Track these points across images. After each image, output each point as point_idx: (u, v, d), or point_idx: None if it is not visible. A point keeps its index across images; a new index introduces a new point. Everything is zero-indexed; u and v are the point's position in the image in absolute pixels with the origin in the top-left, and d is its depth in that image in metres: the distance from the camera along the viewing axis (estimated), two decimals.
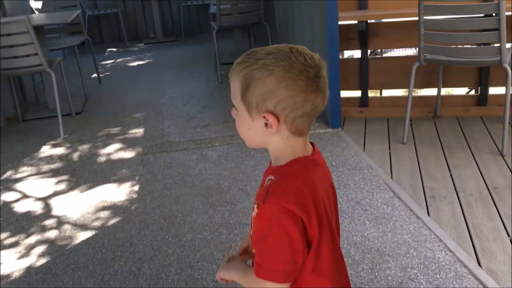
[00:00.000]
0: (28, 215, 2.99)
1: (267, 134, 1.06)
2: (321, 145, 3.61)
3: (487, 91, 4.02)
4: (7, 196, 3.24)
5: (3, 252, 2.63)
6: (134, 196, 3.11)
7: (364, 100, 4.17)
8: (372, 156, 3.38)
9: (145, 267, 2.40)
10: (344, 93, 4.05)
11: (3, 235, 2.78)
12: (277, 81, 1.00)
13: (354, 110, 4.15)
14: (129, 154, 3.74)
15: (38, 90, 5.43)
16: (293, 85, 0.99)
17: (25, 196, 3.24)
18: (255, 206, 1.07)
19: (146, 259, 2.46)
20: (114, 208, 2.98)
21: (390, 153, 3.44)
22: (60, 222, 2.89)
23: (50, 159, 3.76)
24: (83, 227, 2.81)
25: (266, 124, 1.04)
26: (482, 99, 4.03)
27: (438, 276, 2.18)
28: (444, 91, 4.11)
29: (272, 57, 1.01)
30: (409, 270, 2.23)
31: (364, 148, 3.55)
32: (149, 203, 3.00)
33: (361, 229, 2.55)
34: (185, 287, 2.23)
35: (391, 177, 3.09)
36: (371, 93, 4.32)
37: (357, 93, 4.29)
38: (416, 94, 3.49)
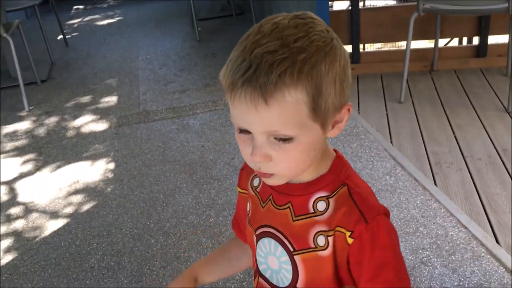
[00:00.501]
0: None
1: (322, 144, 0.80)
2: None
3: (486, 40, 3.73)
4: None
5: None
6: (110, 175, 2.80)
7: (355, 56, 3.85)
8: (368, 119, 3.11)
9: (125, 260, 2.13)
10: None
11: None
12: (343, 59, 0.74)
13: None
14: (102, 126, 3.40)
15: None
16: (344, 54, 0.76)
17: None
18: (327, 238, 0.79)
19: (126, 251, 2.19)
20: (87, 191, 2.68)
21: (387, 115, 3.17)
22: (28, 210, 2.58)
23: (14, 135, 3.40)
24: (54, 214, 2.52)
25: (334, 125, 0.78)
26: (481, 49, 3.74)
27: (454, 258, 1.96)
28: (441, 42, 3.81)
29: (308, 36, 0.71)
30: (420, 252, 2.00)
31: (358, 109, 3.27)
32: (127, 183, 2.70)
33: None
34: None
35: (391, 142, 2.84)
36: (363, 48, 3.99)
37: (348, 48, 3.96)
38: (411, 47, 3.18)
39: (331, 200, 0.79)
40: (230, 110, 0.75)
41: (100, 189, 2.68)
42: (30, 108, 3.77)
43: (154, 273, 2.05)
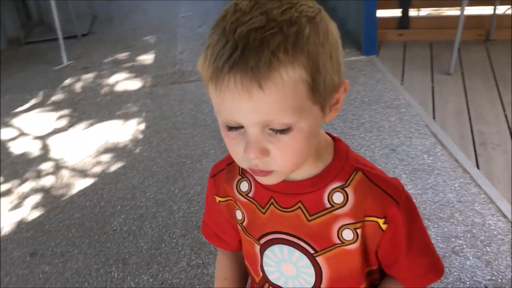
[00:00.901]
0: (24, 157, 2.71)
1: (320, 127, 0.70)
2: (352, 75, 3.14)
3: None
4: (4, 134, 2.96)
5: None
6: (140, 136, 2.78)
7: (404, 21, 3.60)
8: (412, 91, 2.91)
9: (147, 225, 2.12)
10: (380, 13, 3.49)
11: None
12: (333, 26, 0.65)
13: (392, 33, 3.61)
14: (136, 85, 3.36)
15: (43, 8, 4.98)
16: (334, 24, 0.67)
17: (22, 133, 2.96)
18: (355, 231, 0.73)
19: (148, 216, 2.17)
20: (116, 151, 2.67)
21: (433, 87, 2.96)
22: (58, 167, 2.60)
23: (51, 89, 3.43)
24: (82, 173, 2.53)
25: (331, 108, 0.67)
26: None
27: (489, 250, 1.82)
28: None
29: (294, 7, 0.61)
30: (453, 240, 1.87)
31: (402, 80, 3.07)
32: (155, 146, 2.66)
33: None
34: (190, 253, 1.95)
35: (434, 118, 2.65)
36: (413, 12, 3.72)
37: (397, 13, 3.71)
38: (466, 13, 2.92)
39: (349, 190, 0.72)
40: (214, 104, 0.64)
41: (128, 150, 2.67)
42: (69, 62, 3.78)
43: (174, 241, 2.02)
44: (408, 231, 0.73)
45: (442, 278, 1.70)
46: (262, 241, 0.79)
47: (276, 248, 0.77)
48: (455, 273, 1.74)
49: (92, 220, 2.19)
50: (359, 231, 0.72)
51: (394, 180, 0.74)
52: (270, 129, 0.62)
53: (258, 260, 0.81)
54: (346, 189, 0.71)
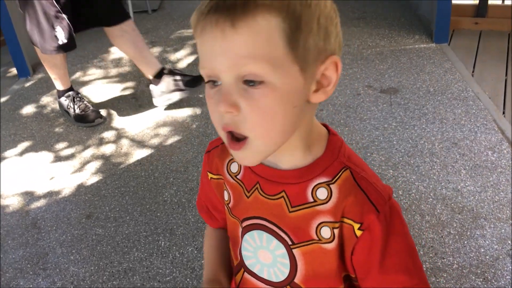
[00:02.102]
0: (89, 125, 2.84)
1: (305, 112, 0.66)
2: (419, 64, 3.01)
3: None
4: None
5: (59, 164, 2.52)
6: (198, 112, 2.82)
7: (482, 9, 3.38)
8: (482, 83, 2.75)
9: (195, 199, 2.16)
10: None
11: (62, 145, 2.67)
12: (330, 1, 0.64)
13: (467, 21, 3.41)
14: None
15: None
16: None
17: (89, 101, 3.08)
18: (332, 230, 0.70)
19: (197, 191, 2.21)
20: (174, 125, 2.73)
21: (506, 81, 2.78)
22: (119, 136, 2.71)
23: (119, 61, 3.55)
24: (140, 144, 2.61)
25: (318, 88, 0.64)
26: None
27: None
28: None
29: None
30: (509, 243, 1.76)
31: (473, 71, 2.91)
32: (211, 123, 2.69)
33: (454, 179, 2.07)
34: None
35: (503, 113, 2.49)
36: (492, 0, 3.49)
37: (475, 0, 3.49)
38: None
39: (334, 187, 0.69)
40: (199, 55, 0.64)
41: (186, 125, 2.72)
42: None
43: None
44: (384, 244, 0.68)
45: (493, 281, 1.61)
46: (244, 224, 0.77)
47: (255, 233, 0.76)
48: (507, 277, 1.64)
49: (146, 189, 2.26)
50: (336, 231, 0.69)
51: (383, 187, 0.70)
52: (243, 82, 0.60)
53: (239, 243, 0.80)
54: (331, 185, 0.69)
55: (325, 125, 0.74)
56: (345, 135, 2.42)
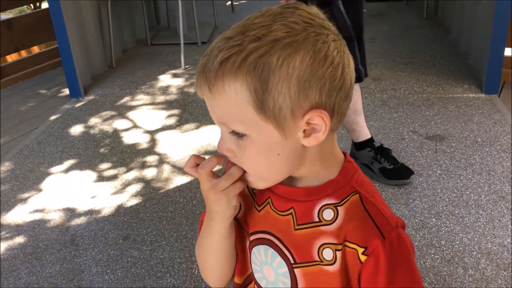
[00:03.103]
0: (133, 147, 2.91)
1: (303, 151, 0.68)
2: (467, 113, 2.96)
3: None
4: (119, 124, 3.20)
5: (101, 184, 2.57)
6: None
7: None
8: None
9: None
10: (508, 51, 3.25)
11: (105, 166, 2.73)
12: (311, 56, 0.62)
13: None
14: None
15: (171, 14, 5.34)
16: (330, 55, 0.64)
17: (135, 126, 3.17)
18: (335, 252, 0.69)
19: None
20: (216, 154, 2.75)
21: None
22: (161, 161, 2.75)
23: (166, 89, 3.64)
24: (181, 170, 2.64)
25: (304, 132, 0.66)
26: None
27: None
28: None
29: (270, 25, 0.63)
30: None
31: None
32: None
33: (500, 234, 1.99)
34: None
35: None
36: None
37: None
38: None
39: (340, 209, 0.69)
40: None
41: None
42: (186, 66, 3.99)
43: None
44: (389, 275, 0.66)
45: None
46: (252, 238, 0.78)
47: (262, 248, 0.77)
48: None
49: (183, 216, 2.27)
50: (338, 254, 0.68)
51: (392, 216, 0.69)
52: (231, 131, 0.67)
53: (248, 255, 0.80)
54: (338, 207, 0.69)
55: (344, 153, 0.76)
56: None
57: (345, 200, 0.70)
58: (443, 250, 1.93)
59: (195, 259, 1.97)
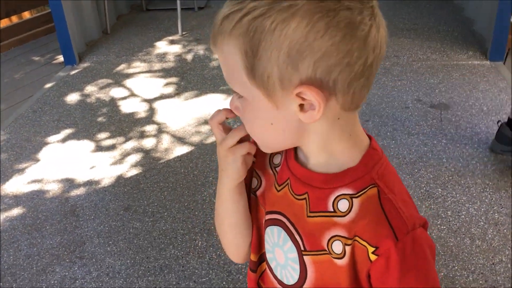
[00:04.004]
0: (131, 116, 2.84)
1: (303, 125, 0.62)
2: (472, 80, 2.91)
3: None
4: (116, 92, 3.12)
5: (100, 154, 2.52)
6: None
7: None
8: None
9: None
10: None
11: (103, 135, 2.67)
12: (308, 23, 0.55)
13: None
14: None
15: None
16: (334, 26, 0.56)
17: (132, 94, 3.10)
18: (344, 246, 0.65)
19: None
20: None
21: None
22: (160, 131, 2.69)
23: (163, 57, 3.55)
24: (181, 140, 2.59)
25: (301, 107, 0.60)
26: None
27: None
28: None
29: None
30: None
31: None
32: None
33: (507, 204, 1.97)
34: None
35: None
36: None
37: None
38: None
39: (356, 202, 0.63)
40: None
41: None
42: (183, 33, 3.89)
43: None
44: (400, 279, 0.61)
45: None
46: (267, 217, 0.75)
47: (275, 229, 0.73)
48: None
49: (184, 186, 2.23)
50: (348, 248, 0.63)
51: (411, 216, 0.62)
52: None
53: (263, 232, 0.77)
54: (354, 199, 0.64)
55: (370, 137, 0.69)
56: (391, 148, 2.34)
57: (362, 192, 0.64)
58: (449, 221, 1.90)
59: (198, 231, 1.95)
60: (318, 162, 0.67)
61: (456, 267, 1.71)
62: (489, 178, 2.12)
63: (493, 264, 1.71)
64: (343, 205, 0.64)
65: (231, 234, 0.82)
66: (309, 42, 0.55)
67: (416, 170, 2.20)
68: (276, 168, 0.75)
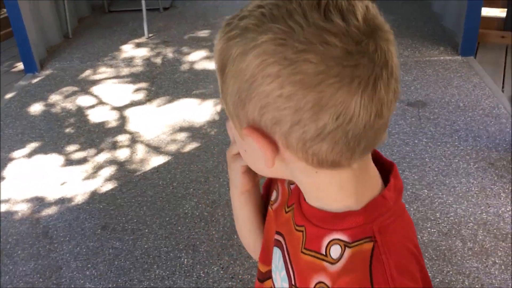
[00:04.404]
0: (101, 126, 2.71)
1: (280, 162, 0.55)
2: (446, 77, 2.91)
3: None
4: (83, 100, 2.97)
5: (70, 168, 2.38)
6: (216, 118, 2.69)
7: (509, 22, 3.29)
8: None
9: (219, 213, 2.03)
10: (483, 11, 3.20)
11: (73, 148, 2.53)
12: (259, 64, 0.47)
13: (494, 34, 3.31)
14: (214, 65, 3.27)
15: None
16: (286, 77, 0.47)
17: (100, 102, 2.96)
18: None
19: (221, 204, 2.09)
20: (191, 131, 2.60)
21: None
22: (133, 140, 2.57)
23: (130, 61, 3.41)
24: (157, 150, 2.48)
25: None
26: None
27: None
28: None
29: (260, 12, 0.49)
30: None
31: (503, 87, 2.81)
32: None
33: (493, 203, 1.97)
34: None
35: None
36: None
37: (501, 13, 3.40)
38: None
39: (347, 252, 0.55)
40: None
41: (204, 132, 2.59)
42: (150, 35, 3.75)
43: None
44: None
45: None
46: (275, 236, 0.69)
47: (278, 252, 0.67)
48: None
49: (164, 200, 2.13)
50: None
51: (402, 283, 0.53)
52: None
53: (271, 249, 0.71)
54: (347, 247, 0.56)
55: (389, 181, 0.58)
56: None
57: (356, 243, 0.55)
58: (439, 223, 1.88)
59: (183, 247, 1.86)
60: (321, 199, 0.58)
61: (450, 272, 1.68)
62: (473, 176, 2.11)
63: (487, 266, 1.69)
64: (335, 251, 0.57)
65: (249, 238, 0.81)
66: (257, 84, 0.48)
67: (401, 171, 2.17)
68: (291, 186, 0.68)
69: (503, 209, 1.93)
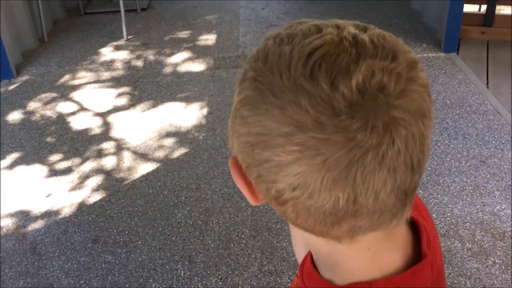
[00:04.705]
0: (84, 134, 2.62)
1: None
2: (431, 74, 2.92)
3: None
4: (64, 107, 2.88)
5: (55, 179, 2.30)
6: (203, 122, 2.64)
7: (489, 18, 3.32)
8: (499, 96, 2.68)
9: (213, 221, 1.99)
10: (467, 8, 3.22)
11: (56, 157, 2.44)
12: (240, 100, 0.43)
13: (474, 30, 3.34)
14: (198, 66, 3.22)
15: None
16: (259, 124, 0.41)
17: (82, 108, 2.86)
18: None
19: (214, 211, 2.04)
20: (179, 136, 2.54)
21: None
22: (119, 148, 2.50)
23: (110, 64, 3.32)
24: (144, 157, 2.41)
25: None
26: None
27: None
28: None
29: (265, 44, 0.44)
30: None
31: (487, 83, 2.83)
32: (219, 134, 2.52)
33: (488, 202, 1.97)
34: (261, 257, 1.81)
35: None
36: (500, 10, 3.44)
37: (481, 8, 3.43)
38: None
39: None
40: None
41: (192, 136, 2.53)
42: (129, 37, 3.66)
43: (243, 241, 1.88)
44: None
45: None
46: None
47: None
48: None
49: (156, 209, 2.07)
50: None
51: None
52: None
53: None
54: None
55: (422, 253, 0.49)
56: None
57: None
58: (436, 224, 1.87)
59: (178, 259, 1.81)
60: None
61: (452, 274, 1.68)
62: (466, 175, 2.12)
63: (487, 267, 1.69)
64: None
65: None
66: (236, 122, 0.43)
67: None
68: None
69: (498, 207, 1.94)
